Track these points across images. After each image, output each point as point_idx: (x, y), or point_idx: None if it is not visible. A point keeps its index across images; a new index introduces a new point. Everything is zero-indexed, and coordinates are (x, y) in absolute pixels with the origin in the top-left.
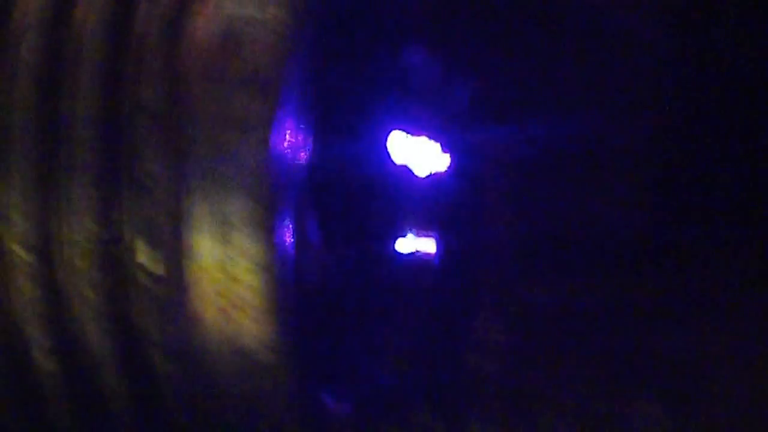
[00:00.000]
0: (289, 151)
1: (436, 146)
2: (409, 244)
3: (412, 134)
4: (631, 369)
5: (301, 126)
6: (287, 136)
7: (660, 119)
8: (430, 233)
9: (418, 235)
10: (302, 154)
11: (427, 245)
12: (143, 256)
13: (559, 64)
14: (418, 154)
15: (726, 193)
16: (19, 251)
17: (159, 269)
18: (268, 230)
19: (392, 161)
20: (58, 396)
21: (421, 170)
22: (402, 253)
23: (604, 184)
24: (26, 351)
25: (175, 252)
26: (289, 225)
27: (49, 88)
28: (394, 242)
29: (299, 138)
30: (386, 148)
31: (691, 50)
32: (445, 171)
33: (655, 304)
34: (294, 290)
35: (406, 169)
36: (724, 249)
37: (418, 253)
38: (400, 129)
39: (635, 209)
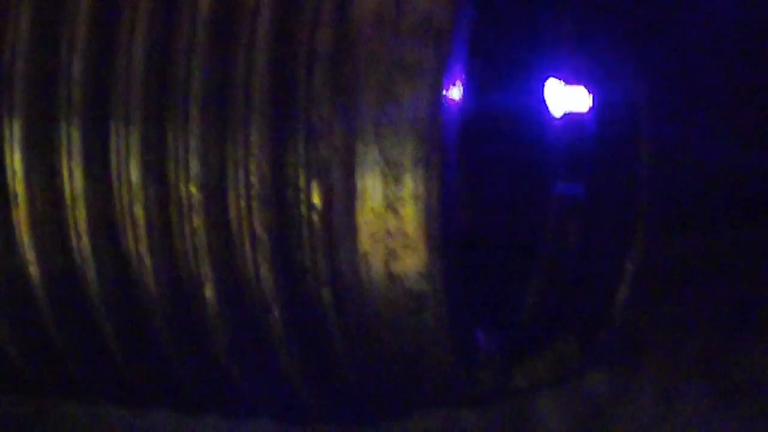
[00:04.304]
0: (455, 96)
1: (585, 94)
2: (557, 186)
3: (566, 82)
4: (753, 317)
5: (467, 72)
6: (456, 82)
7: None
8: (577, 178)
9: (565, 179)
10: (465, 99)
11: (574, 189)
12: (316, 197)
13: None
14: (569, 101)
15: None
16: (196, 193)
17: (331, 210)
18: (437, 173)
19: (544, 108)
20: (223, 332)
21: (571, 117)
22: (551, 195)
23: (743, 133)
24: (197, 289)
25: (346, 193)
26: (453, 168)
27: (226, 38)
28: (544, 184)
29: (465, 84)
30: (538, 95)
31: None
32: (594, 118)
33: None
34: (457, 230)
35: (555, 115)
36: None
37: (565, 195)
38: (553, 77)
39: None
